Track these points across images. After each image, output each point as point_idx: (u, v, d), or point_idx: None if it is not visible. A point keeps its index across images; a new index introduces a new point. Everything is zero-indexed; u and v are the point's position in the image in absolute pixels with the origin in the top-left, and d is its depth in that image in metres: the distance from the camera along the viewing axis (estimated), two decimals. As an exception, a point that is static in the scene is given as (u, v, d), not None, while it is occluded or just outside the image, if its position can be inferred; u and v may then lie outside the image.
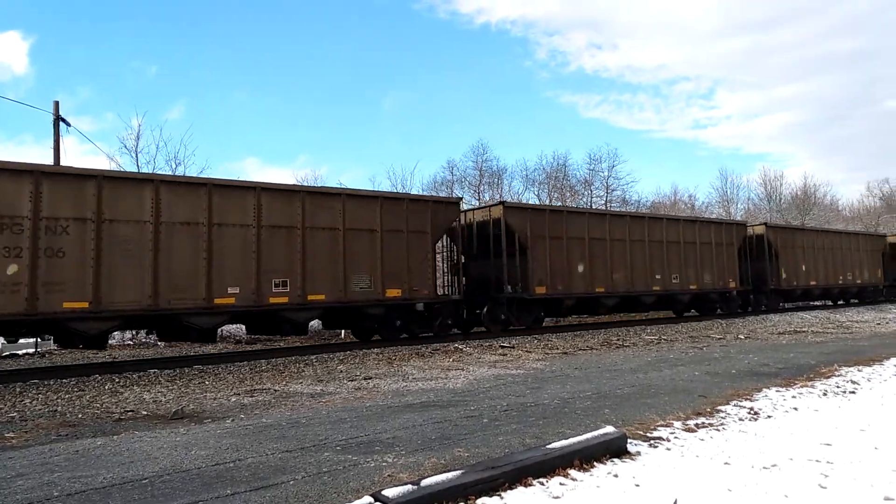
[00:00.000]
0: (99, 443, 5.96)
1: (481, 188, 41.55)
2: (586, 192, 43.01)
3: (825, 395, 7.77)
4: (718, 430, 6.00)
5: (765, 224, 27.91)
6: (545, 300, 18.56)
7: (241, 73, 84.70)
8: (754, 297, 26.30)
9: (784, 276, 26.67)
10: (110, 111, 69.45)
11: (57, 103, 20.18)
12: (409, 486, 3.97)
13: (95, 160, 51.03)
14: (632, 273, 20.48)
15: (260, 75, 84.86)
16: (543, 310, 18.99)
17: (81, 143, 75.95)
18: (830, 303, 32.42)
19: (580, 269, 19.09)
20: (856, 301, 33.00)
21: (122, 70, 71.09)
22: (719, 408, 6.99)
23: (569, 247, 18.90)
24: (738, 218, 45.02)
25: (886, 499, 4.00)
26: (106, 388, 9.87)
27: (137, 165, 25.89)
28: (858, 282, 31.47)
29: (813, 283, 28.31)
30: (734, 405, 7.14)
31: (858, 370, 9.63)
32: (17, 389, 9.80)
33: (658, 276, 21.25)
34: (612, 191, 42.95)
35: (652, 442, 5.53)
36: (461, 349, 14.32)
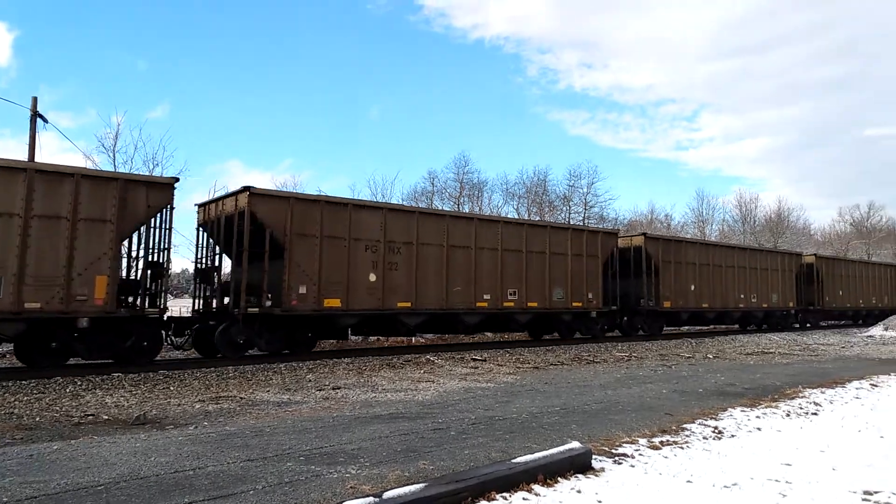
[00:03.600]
0: (55, 447, 5.81)
1: (461, 200, 41.76)
2: (565, 208, 43.41)
3: (788, 415, 7.87)
4: (683, 448, 6.04)
5: (644, 234, 24.34)
6: (310, 317, 14.79)
7: (230, 76, 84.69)
8: (628, 319, 23.13)
9: (666, 295, 23.21)
10: (93, 107, 68.56)
11: (35, 99, 19.80)
12: (371, 499, 3.93)
13: (73, 158, 50.30)
14: (447, 285, 16.75)
15: (250, 78, 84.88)
16: (310, 330, 15.24)
17: (61, 139, 74.94)
18: (737, 327, 29.58)
19: (371, 278, 15.42)
20: (766, 327, 29.63)
21: (108, 65, 70.46)
22: (685, 426, 7.05)
23: (354, 250, 15.15)
24: (707, 236, 45.61)
25: (842, 520, 4.06)
26: (67, 391, 9.66)
27: (114, 165, 25.51)
28: (765, 305, 28.12)
29: (706, 305, 24.96)
30: (699, 424, 7.20)
31: (821, 392, 9.78)
32: (-25, 390, 9.54)
33: (487, 292, 17.64)
34: (591, 207, 43.44)
35: (617, 458, 5.54)
36: (433, 361, 14.28)
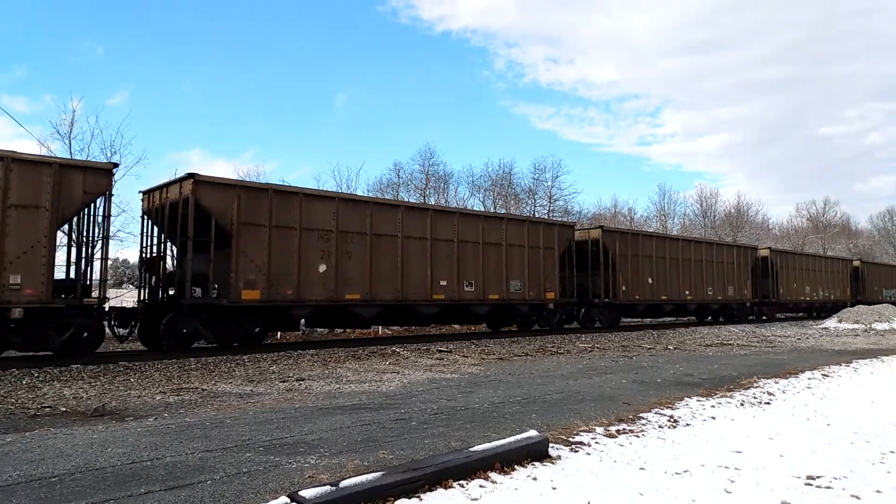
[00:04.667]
0: (9, 439, 5.71)
1: (427, 192, 41.73)
2: (530, 201, 43.71)
3: (742, 405, 8.10)
4: (638, 436, 6.19)
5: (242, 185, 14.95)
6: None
7: (192, 64, 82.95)
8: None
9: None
10: (48, 92, 66.79)
11: (-16, 84, 19.21)
12: (328, 487, 3.96)
13: (28, 144, 48.90)
14: None
15: (213, 67, 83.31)
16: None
17: (14, 125, 72.70)
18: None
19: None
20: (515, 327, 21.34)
21: (66, 50, 68.63)
22: (641, 415, 7.20)
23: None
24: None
25: (783, 503, 4.21)
26: (24, 382, 9.47)
27: (70, 153, 24.90)
28: (493, 297, 19.07)
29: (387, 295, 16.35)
30: (655, 413, 7.37)
31: (775, 382, 10.06)
32: (-75, 382, 9.30)
33: None
34: (555, 200, 43.80)
35: (573, 447, 5.66)
36: (398, 352, 14.32)
